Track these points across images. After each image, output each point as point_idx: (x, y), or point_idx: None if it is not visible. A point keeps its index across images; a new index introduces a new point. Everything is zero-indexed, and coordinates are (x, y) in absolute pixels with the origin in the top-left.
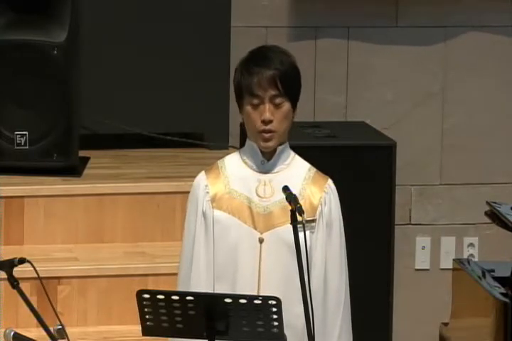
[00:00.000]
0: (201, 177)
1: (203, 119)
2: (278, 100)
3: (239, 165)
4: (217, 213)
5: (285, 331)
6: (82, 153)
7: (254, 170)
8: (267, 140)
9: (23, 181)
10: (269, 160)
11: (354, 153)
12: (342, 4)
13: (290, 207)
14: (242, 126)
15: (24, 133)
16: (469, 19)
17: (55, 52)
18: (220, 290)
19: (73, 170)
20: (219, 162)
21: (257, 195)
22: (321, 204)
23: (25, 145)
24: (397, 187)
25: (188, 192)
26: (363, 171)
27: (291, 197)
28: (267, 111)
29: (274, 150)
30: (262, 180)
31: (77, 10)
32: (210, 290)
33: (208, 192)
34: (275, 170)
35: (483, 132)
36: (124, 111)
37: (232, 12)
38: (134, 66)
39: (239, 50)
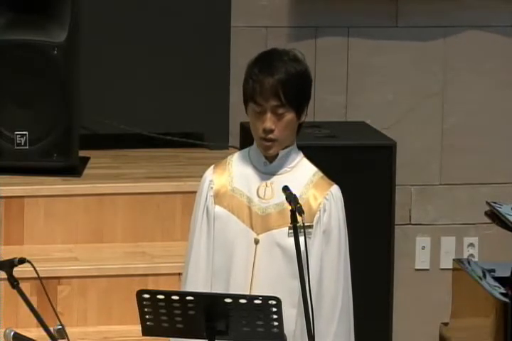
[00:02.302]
0: (209, 172)
1: (203, 119)
2: (280, 110)
3: (245, 163)
4: (218, 209)
5: None
6: (82, 153)
7: (258, 170)
8: (267, 148)
9: (23, 181)
10: (271, 162)
11: (354, 153)
12: (342, 4)
13: (288, 211)
14: (242, 126)
15: (24, 133)
16: (469, 19)
17: (55, 52)
18: (215, 286)
19: (73, 170)
20: (229, 157)
21: (258, 195)
22: (320, 211)
23: (25, 145)
24: (397, 187)
25: (188, 192)
26: (363, 171)
27: (291, 197)
28: (268, 120)
29: (277, 153)
30: (264, 181)
31: (77, 10)
32: (208, 284)
33: (212, 188)
34: (278, 173)
35: (483, 132)
36: (124, 111)
37: (232, 12)
38: (134, 66)
39: (239, 50)
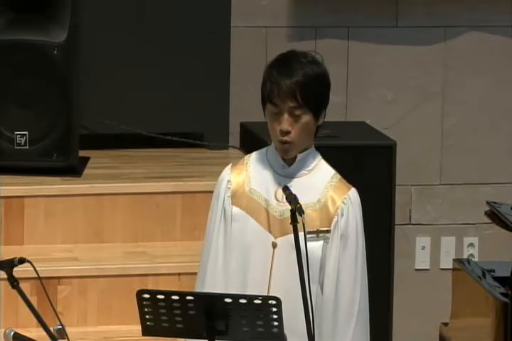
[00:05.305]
0: (226, 172)
1: (203, 119)
2: (297, 112)
3: (263, 164)
4: (236, 210)
5: (292, 338)
6: (82, 153)
7: (276, 172)
8: (285, 151)
9: (23, 181)
10: (290, 165)
11: (354, 153)
12: (342, 4)
13: (306, 214)
14: (242, 126)
15: (24, 133)
16: (469, 19)
17: (55, 52)
18: (230, 289)
19: (73, 170)
20: (246, 157)
21: (276, 198)
22: (338, 215)
23: (25, 145)
24: (397, 187)
25: (188, 192)
26: (363, 171)
27: (290, 197)
28: (285, 122)
29: (295, 156)
30: (281, 184)
31: (77, 10)
32: (225, 287)
33: (229, 188)
34: (296, 175)
35: (483, 132)
36: (124, 111)
37: (232, 12)
38: (134, 66)
39: (239, 50)
